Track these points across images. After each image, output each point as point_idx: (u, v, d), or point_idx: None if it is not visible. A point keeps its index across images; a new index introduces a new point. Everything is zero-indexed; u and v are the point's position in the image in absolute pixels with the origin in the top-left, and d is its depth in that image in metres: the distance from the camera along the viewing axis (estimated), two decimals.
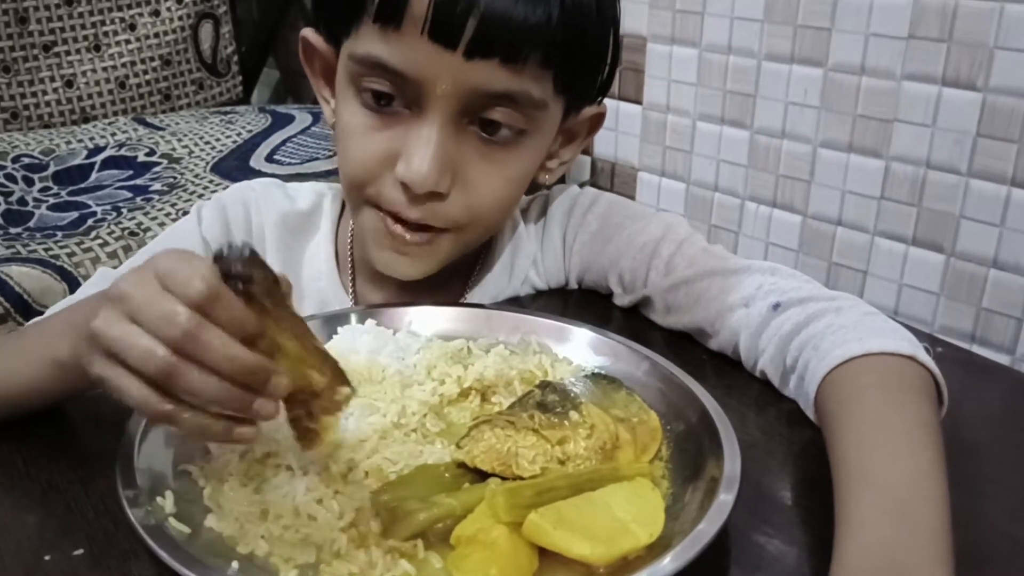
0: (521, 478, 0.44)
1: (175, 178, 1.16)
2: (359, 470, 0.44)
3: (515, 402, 0.50)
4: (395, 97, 0.56)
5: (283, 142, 1.27)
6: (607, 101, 0.66)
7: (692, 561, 0.37)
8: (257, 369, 0.38)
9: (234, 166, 1.19)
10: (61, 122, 1.37)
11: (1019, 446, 0.55)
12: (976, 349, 0.83)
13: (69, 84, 1.38)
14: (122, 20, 1.41)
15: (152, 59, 1.43)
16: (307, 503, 0.41)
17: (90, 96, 1.39)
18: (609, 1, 0.58)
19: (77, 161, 1.20)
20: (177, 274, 0.38)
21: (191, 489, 0.43)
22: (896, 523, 0.40)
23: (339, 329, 0.56)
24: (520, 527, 0.40)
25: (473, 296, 0.69)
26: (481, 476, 0.45)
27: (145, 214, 1.04)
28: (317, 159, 1.20)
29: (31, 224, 1.04)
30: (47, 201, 1.10)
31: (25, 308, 0.86)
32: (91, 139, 1.26)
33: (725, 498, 0.41)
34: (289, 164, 1.19)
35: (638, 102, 1.09)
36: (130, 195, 1.11)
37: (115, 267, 0.83)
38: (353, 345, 0.54)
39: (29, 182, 1.13)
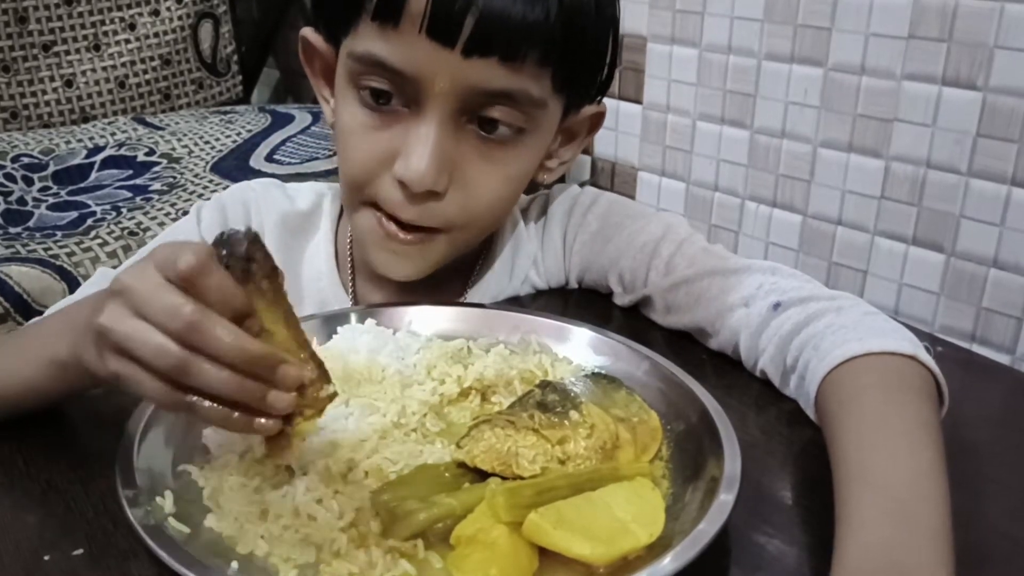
0: (521, 478, 0.44)
1: (175, 178, 1.16)
2: (359, 470, 0.44)
3: (515, 402, 0.50)
4: (394, 96, 0.56)
5: (283, 142, 1.27)
6: (607, 101, 0.66)
7: (692, 561, 0.37)
8: (264, 358, 0.38)
9: (234, 166, 1.19)
10: (61, 122, 1.37)
11: (1019, 446, 0.55)
12: (976, 349, 0.83)
13: (69, 84, 1.37)
14: (122, 20, 1.41)
15: (152, 59, 1.43)
16: (307, 503, 0.41)
17: (90, 96, 1.39)
18: (608, 0, 0.58)
19: (77, 161, 1.20)
20: (171, 256, 0.38)
21: (191, 489, 0.43)
22: (896, 523, 0.39)
23: (339, 329, 0.56)
24: (520, 527, 0.40)
25: (473, 296, 0.69)
26: (481, 476, 0.45)
27: (145, 214, 1.04)
28: (317, 159, 1.19)
29: (31, 224, 1.04)
30: (47, 201, 1.10)
31: (25, 308, 0.86)
32: (91, 139, 1.26)
33: (725, 498, 0.41)
34: (289, 164, 1.19)
35: (638, 102, 1.09)
36: (130, 195, 1.11)
37: (115, 267, 0.83)
38: (353, 345, 0.54)
39: (29, 182, 1.13)
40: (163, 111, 1.45)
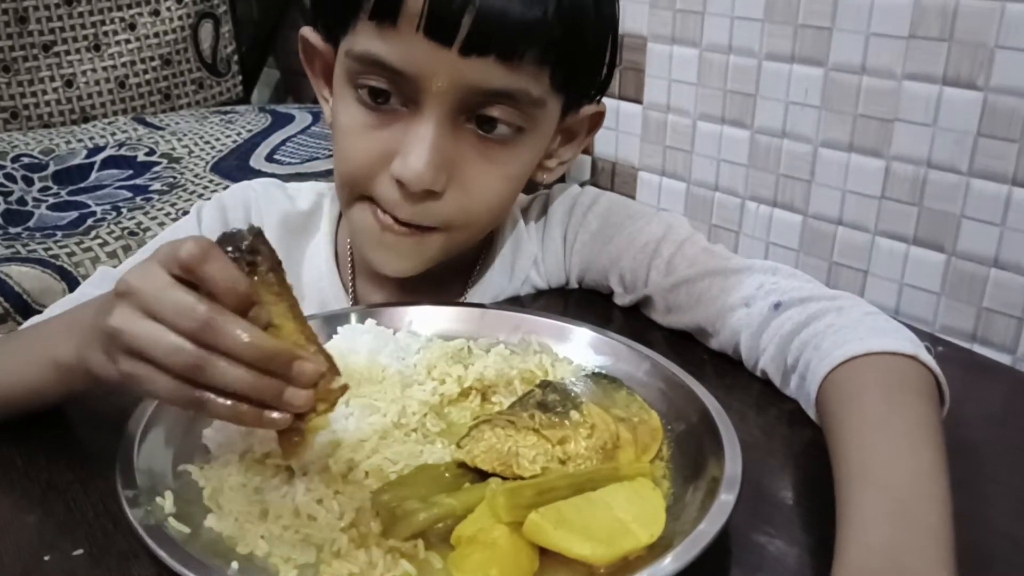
0: (521, 478, 0.44)
1: (175, 178, 1.16)
2: (359, 470, 0.44)
3: (515, 402, 0.50)
4: (392, 95, 0.56)
5: (283, 142, 1.27)
6: (607, 101, 0.65)
7: (693, 561, 0.37)
8: (279, 355, 0.38)
9: (234, 166, 1.19)
10: (61, 122, 1.37)
11: (1020, 446, 0.55)
12: (977, 349, 0.83)
13: (69, 84, 1.37)
14: (122, 20, 1.41)
15: (152, 59, 1.43)
16: (307, 503, 0.41)
17: (90, 96, 1.39)
18: None
19: (77, 161, 1.20)
20: (173, 252, 0.38)
21: (191, 489, 0.43)
22: (897, 523, 0.39)
23: (339, 329, 0.56)
24: (520, 527, 0.40)
25: (473, 296, 0.69)
26: (481, 476, 0.45)
27: (145, 214, 1.04)
28: (317, 159, 1.19)
29: (31, 224, 1.04)
30: (47, 201, 1.10)
31: (25, 308, 0.86)
32: (91, 139, 1.26)
33: (726, 498, 0.41)
34: (289, 164, 1.19)
35: (638, 102, 1.09)
36: (130, 195, 1.11)
37: (115, 267, 0.83)
38: (353, 345, 0.54)
39: (29, 182, 1.13)
40: (163, 111, 1.45)
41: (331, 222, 0.70)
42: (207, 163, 1.20)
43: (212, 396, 0.38)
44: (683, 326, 0.65)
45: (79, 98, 1.38)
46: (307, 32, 0.63)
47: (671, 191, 1.09)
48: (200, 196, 1.09)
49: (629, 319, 0.68)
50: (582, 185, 0.73)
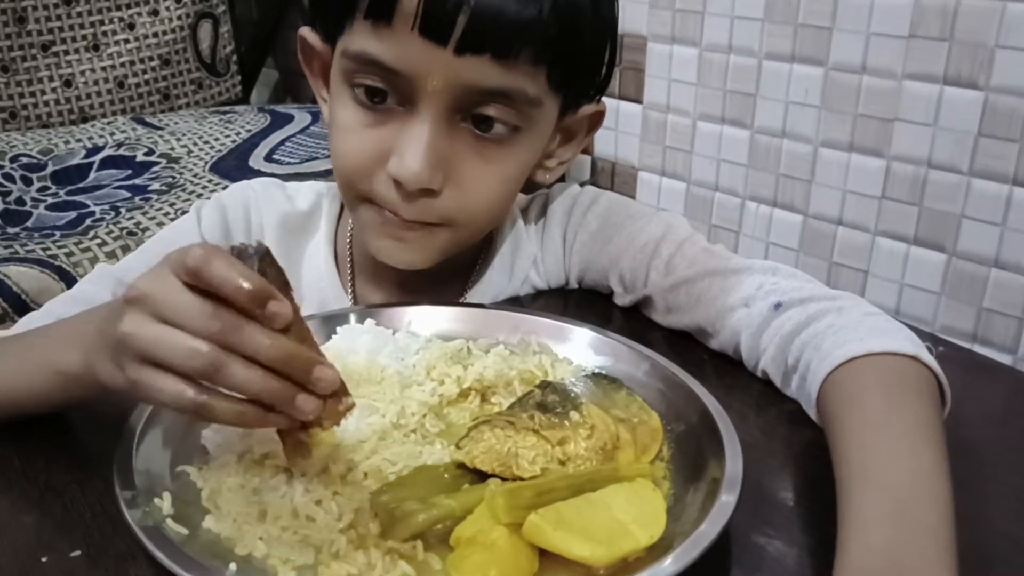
0: (521, 479, 0.44)
1: (174, 178, 1.15)
2: (358, 471, 0.44)
3: (515, 402, 0.50)
4: (388, 94, 0.56)
5: (282, 141, 1.27)
6: (607, 100, 0.65)
7: (693, 562, 0.37)
8: (299, 357, 0.38)
9: (233, 166, 1.19)
10: (60, 122, 1.37)
11: (1020, 446, 0.55)
12: (977, 349, 0.83)
13: (68, 84, 1.37)
14: (121, 20, 1.40)
15: (151, 59, 1.43)
16: (306, 504, 0.41)
17: (89, 96, 1.39)
18: None
19: (75, 161, 1.20)
20: (181, 258, 0.38)
21: (189, 490, 0.43)
22: (898, 524, 0.39)
23: (338, 329, 0.56)
24: (520, 528, 0.39)
25: (473, 296, 0.69)
26: (481, 477, 0.45)
27: (143, 214, 1.04)
28: (316, 158, 1.19)
29: (29, 224, 1.04)
30: (45, 201, 1.10)
31: (23, 308, 0.86)
32: (90, 139, 1.26)
33: (727, 499, 0.41)
34: (288, 164, 1.19)
35: (638, 101, 1.09)
36: (128, 195, 1.11)
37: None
38: (352, 345, 0.54)
39: (27, 182, 1.13)
40: (162, 111, 1.45)
41: (330, 222, 0.70)
42: (206, 163, 1.20)
43: (220, 402, 0.38)
44: (683, 326, 0.64)
45: (78, 98, 1.38)
46: (305, 32, 0.63)
47: (671, 191, 1.09)
48: (199, 196, 1.09)
49: (629, 319, 0.68)
50: (582, 185, 0.73)
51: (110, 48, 1.40)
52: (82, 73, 1.38)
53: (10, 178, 1.12)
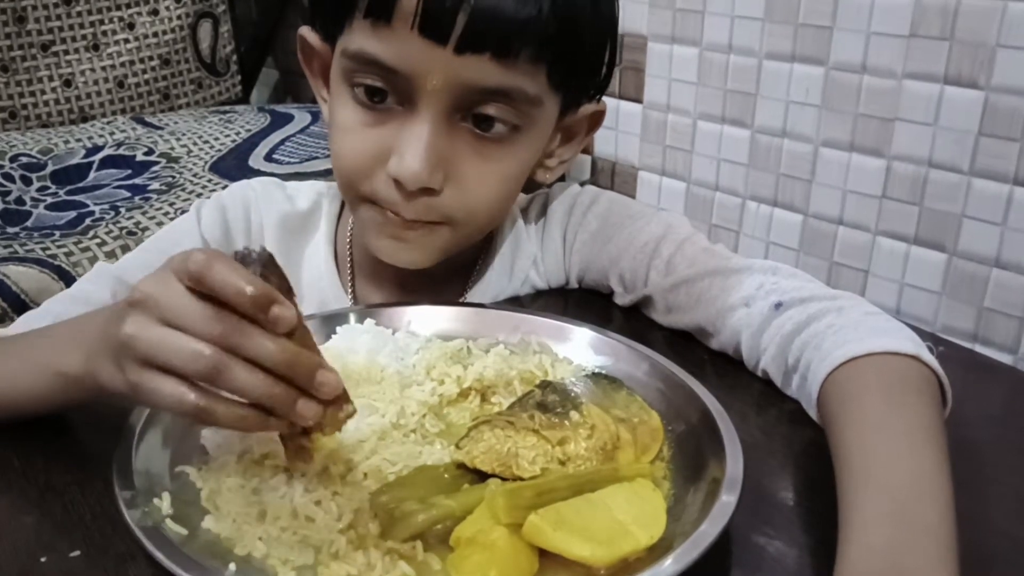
0: (521, 479, 0.44)
1: (173, 177, 1.15)
2: (358, 471, 0.44)
3: (515, 402, 0.50)
4: (388, 93, 0.56)
5: (282, 141, 1.26)
6: (607, 100, 0.65)
7: (693, 563, 0.37)
8: (304, 359, 0.38)
9: (233, 165, 1.19)
10: (60, 121, 1.37)
11: (1021, 446, 0.55)
12: (978, 349, 0.82)
13: (68, 83, 1.37)
14: (121, 19, 1.40)
15: (151, 58, 1.43)
16: (305, 504, 0.41)
17: (88, 95, 1.39)
18: None
19: (75, 160, 1.20)
20: (183, 263, 0.37)
21: (189, 490, 0.43)
22: (899, 524, 0.39)
23: (338, 329, 0.56)
24: (520, 528, 0.39)
25: (473, 296, 0.69)
26: (481, 477, 0.45)
27: (143, 213, 1.04)
28: (316, 158, 1.19)
29: (29, 223, 1.03)
30: (45, 200, 1.10)
31: (23, 308, 0.86)
32: (89, 138, 1.26)
33: (727, 499, 0.40)
34: (288, 163, 1.19)
35: (638, 101, 1.09)
36: (128, 194, 1.11)
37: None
38: (352, 345, 0.53)
39: (27, 181, 1.13)
40: (162, 111, 1.45)
41: (330, 222, 0.70)
42: (206, 163, 1.20)
43: (221, 405, 0.38)
44: (683, 326, 0.64)
45: (78, 98, 1.38)
46: (305, 32, 0.63)
47: (671, 191, 1.09)
48: (199, 196, 1.09)
49: (629, 319, 0.68)
50: (582, 184, 0.73)
51: (110, 48, 1.40)
52: (82, 73, 1.38)
53: (10, 178, 1.12)
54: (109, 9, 1.39)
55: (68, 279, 0.89)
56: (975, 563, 0.39)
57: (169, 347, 0.38)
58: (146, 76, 1.43)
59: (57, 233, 0.99)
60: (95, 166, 1.19)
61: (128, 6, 1.40)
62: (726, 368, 0.61)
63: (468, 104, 0.55)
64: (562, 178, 0.72)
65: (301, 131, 1.30)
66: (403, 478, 0.44)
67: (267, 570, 0.38)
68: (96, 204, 1.08)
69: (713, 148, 1.02)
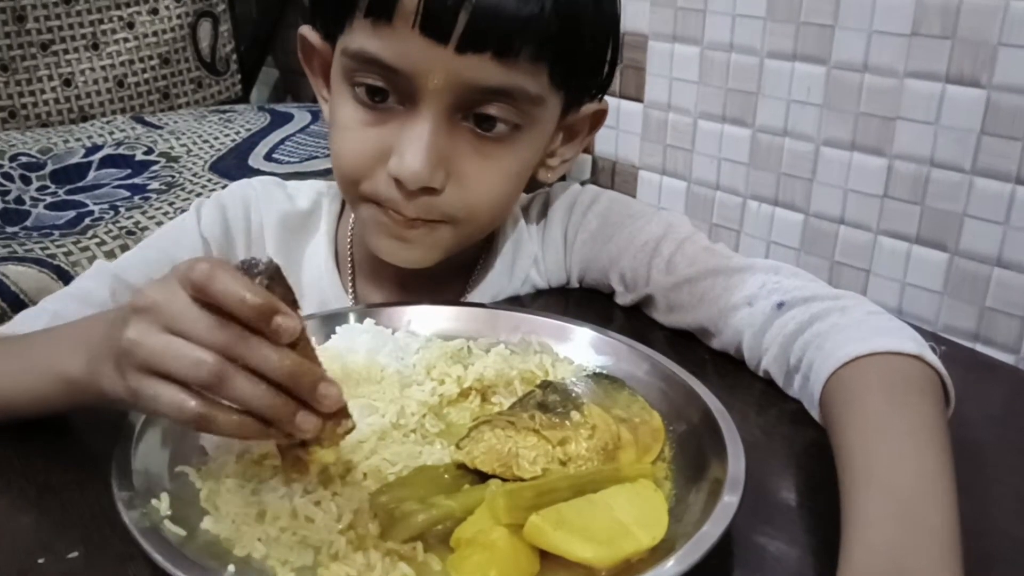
0: (521, 479, 0.44)
1: (173, 177, 1.15)
2: (357, 471, 0.44)
3: (515, 402, 0.50)
4: (388, 92, 0.56)
5: (282, 141, 1.26)
6: (607, 99, 0.65)
7: (695, 564, 0.37)
8: (307, 371, 0.38)
9: (233, 165, 1.19)
10: (59, 121, 1.36)
11: (1022, 446, 0.55)
12: (980, 348, 0.82)
13: (67, 83, 1.37)
14: (120, 19, 1.40)
15: (151, 58, 1.43)
16: (305, 505, 0.41)
17: (88, 95, 1.39)
18: None
19: (75, 160, 1.20)
20: (187, 272, 0.37)
21: (187, 491, 0.43)
22: (901, 525, 0.39)
23: (337, 328, 0.56)
24: (521, 529, 0.39)
25: (474, 295, 0.68)
26: (481, 477, 0.45)
27: (143, 213, 1.03)
28: (316, 157, 1.19)
29: (28, 223, 1.03)
30: (44, 200, 1.09)
31: (21, 308, 0.85)
32: (89, 138, 1.26)
33: (729, 500, 0.40)
34: (288, 163, 1.18)
35: (639, 100, 1.09)
36: (128, 194, 1.11)
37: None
38: (352, 345, 0.53)
39: (26, 181, 1.13)
40: (162, 110, 1.44)
41: (331, 221, 0.70)
42: (205, 162, 1.20)
43: (220, 413, 0.38)
44: (685, 325, 0.64)
45: (77, 97, 1.38)
46: (305, 31, 0.62)
47: (672, 190, 1.08)
48: (198, 195, 1.08)
49: (630, 319, 0.68)
50: (582, 184, 0.73)
51: (109, 47, 1.39)
52: (81, 72, 1.38)
53: (9, 177, 1.12)
54: (109, 8, 1.39)
55: (67, 279, 0.89)
56: (976, 563, 0.39)
57: (171, 354, 0.37)
58: (146, 75, 1.43)
59: (56, 233, 0.98)
60: (94, 165, 1.19)
61: (128, 5, 1.40)
62: (727, 368, 0.61)
63: (469, 103, 0.55)
64: (562, 177, 0.72)
65: (301, 130, 1.30)
66: (403, 478, 0.44)
67: (266, 571, 0.38)
68: (95, 204, 1.08)
69: (714, 147, 1.02)
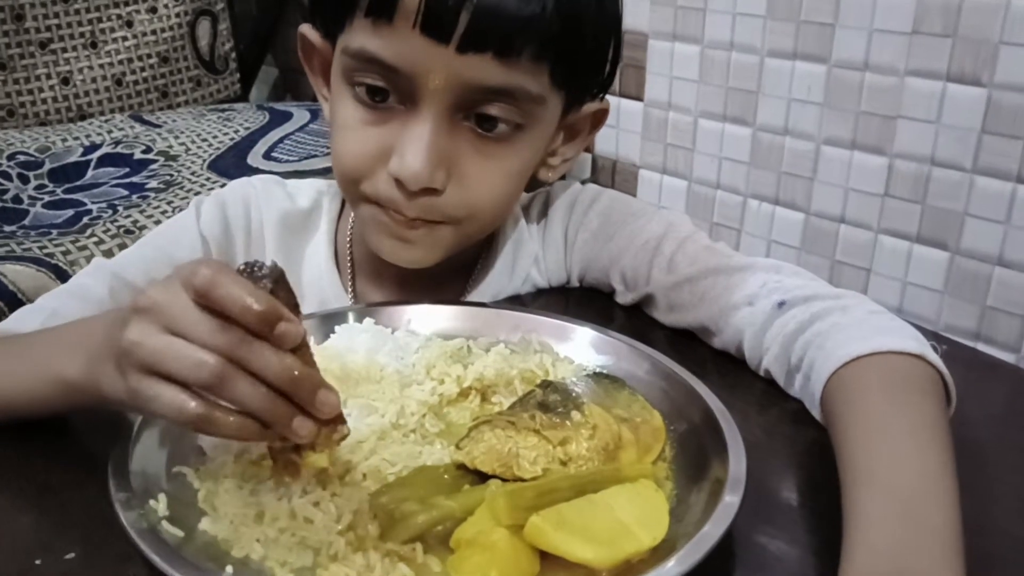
0: (522, 480, 0.44)
1: (172, 176, 1.15)
2: (357, 471, 0.43)
3: (516, 402, 0.49)
4: (389, 92, 0.55)
5: (281, 139, 1.26)
6: (608, 98, 0.65)
7: (697, 564, 0.37)
8: (308, 376, 0.38)
9: (231, 163, 1.19)
10: (57, 119, 1.36)
11: (1023, 445, 0.55)
12: (981, 347, 0.82)
13: (66, 81, 1.37)
14: (119, 17, 1.40)
15: (149, 56, 1.42)
16: (303, 505, 0.41)
17: (87, 93, 1.38)
18: None
19: (73, 158, 1.19)
20: (190, 275, 0.37)
21: (186, 491, 0.43)
22: (903, 525, 0.39)
23: (337, 328, 0.55)
24: (521, 530, 0.39)
25: (474, 295, 0.68)
26: (481, 478, 0.44)
27: (141, 212, 1.03)
28: (315, 156, 1.19)
29: (26, 222, 1.03)
30: (42, 199, 1.09)
31: (19, 307, 0.85)
32: (87, 136, 1.25)
33: (730, 500, 0.40)
34: (287, 161, 1.18)
35: (639, 99, 1.08)
36: (126, 193, 1.10)
37: None
38: (351, 344, 0.53)
39: (24, 180, 1.12)
40: (161, 109, 1.44)
41: (331, 220, 0.69)
42: (204, 161, 1.19)
43: (220, 415, 0.38)
44: (686, 325, 0.64)
45: (76, 96, 1.38)
46: (305, 29, 0.62)
47: (672, 189, 1.08)
48: (197, 194, 1.08)
49: (631, 318, 0.68)
50: (583, 183, 0.73)
51: (108, 46, 1.39)
52: (80, 71, 1.37)
53: (7, 176, 1.11)
54: (107, 7, 1.39)
55: (65, 278, 0.89)
56: (977, 562, 0.39)
57: (172, 354, 0.37)
58: (144, 74, 1.42)
59: (54, 232, 0.98)
60: (93, 164, 1.18)
61: (126, 3, 1.40)
62: (728, 367, 0.61)
63: (470, 103, 0.55)
64: (563, 176, 0.72)
65: (300, 129, 1.30)
66: (403, 479, 0.44)
67: (265, 572, 0.38)
68: (94, 203, 1.07)
69: (714, 146, 1.02)
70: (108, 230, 0.98)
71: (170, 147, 1.23)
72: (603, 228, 0.69)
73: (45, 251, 0.91)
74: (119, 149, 1.22)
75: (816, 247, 0.95)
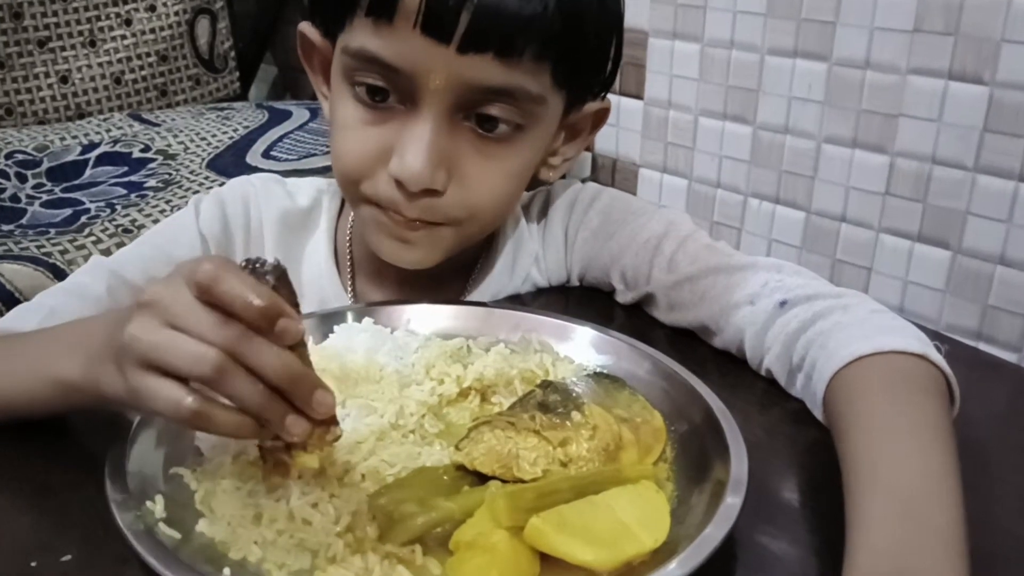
0: (522, 481, 0.43)
1: (170, 174, 1.14)
2: (355, 472, 0.43)
3: (516, 402, 0.49)
4: (389, 92, 0.55)
5: (280, 138, 1.26)
6: (608, 96, 0.65)
7: (698, 566, 0.36)
8: (305, 375, 0.38)
9: (230, 162, 1.18)
10: (56, 118, 1.36)
11: None
12: (982, 347, 0.82)
13: (64, 80, 1.36)
14: (118, 15, 1.39)
15: (148, 55, 1.42)
16: (302, 507, 0.40)
17: (85, 92, 1.38)
18: None
19: (71, 157, 1.19)
20: (192, 271, 0.37)
21: (183, 492, 0.42)
22: (906, 525, 0.39)
23: (336, 327, 0.55)
24: (521, 531, 0.39)
25: (474, 295, 0.68)
26: (481, 479, 0.44)
27: (139, 211, 1.03)
28: (314, 155, 1.19)
29: (24, 221, 1.03)
30: (40, 198, 1.09)
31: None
32: (85, 135, 1.25)
33: (732, 501, 0.40)
34: (286, 160, 1.18)
35: (639, 97, 1.08)
36: (124, 192, 1.10)
37: None
38: (350, 344, 0.53)
39: (22, 179, 1.12)
40: (160, 107, 1.44)
41: (331, 219, 0.69)
42: (203, 160, 1.19)
43: (218, 411, 0.38)
44: (686, 324, 0.64)
45: (74, 94, 1.37)
46: (305, 28, 0.62)
47: (672, 188, 1.08)
48: (196, 193, 1.07)
49: (631, 317, 0.67)
50: (583, 182, 0.73)
51: (107, 44, 1.39)
52: (79, 69, 1.37)
53: (5, 175, 1.11)
54: (106, 5, 1.38)
55: (63, 277, 0.88)
56: (979, 562, 0.39)
57: (172, 348, 0.37)
58: (143, 72, 1.42)
59: (52, 231, 0.98)
60: (91, 163, 1.18)
61: (125, 2, 1.40)
62: (728, 367, 0.61)
63: (471, 103, 0.55)
64: (563, 176, 0.71)
65: (299, 128, 1.29)
66: (402, 480, 0.43)
67: (262, 574, 0.38)
68: (92, 201, 1.07)
69: (715, 145, 1.01)
70: (106, 229, 0.97)
71: (169, 146, 1.23)
72: (603, 227, 0.68)
73: (43, 250, 0.91)
74: (118, 148, 1.22)
75: (817, 246, 0.94)
